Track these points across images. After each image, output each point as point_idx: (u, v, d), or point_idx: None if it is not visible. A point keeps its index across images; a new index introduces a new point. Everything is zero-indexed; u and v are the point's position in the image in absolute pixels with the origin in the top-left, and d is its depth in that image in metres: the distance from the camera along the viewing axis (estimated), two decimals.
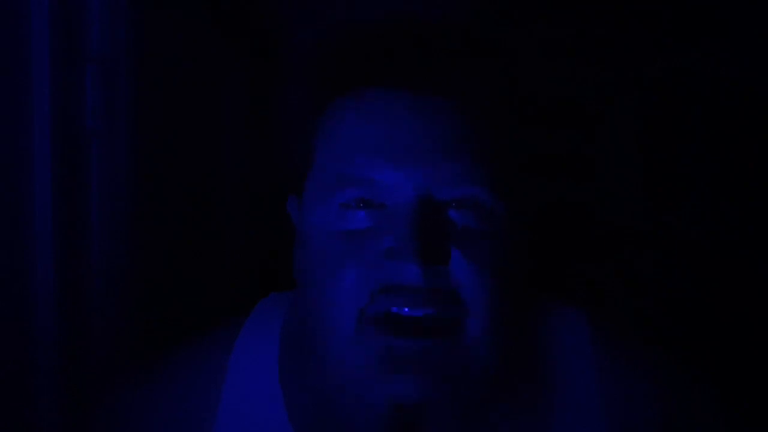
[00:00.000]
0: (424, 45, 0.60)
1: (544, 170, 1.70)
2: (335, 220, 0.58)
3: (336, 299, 0.56)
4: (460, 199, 0.57)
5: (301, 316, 0.63)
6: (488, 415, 0.62)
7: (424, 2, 0.63)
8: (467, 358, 0.56)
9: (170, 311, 1.12)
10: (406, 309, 0.55)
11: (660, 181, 1.71)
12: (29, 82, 0.82)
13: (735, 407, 0.68)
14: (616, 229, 1.72)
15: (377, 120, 0.58)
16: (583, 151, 1.73)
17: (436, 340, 0.55)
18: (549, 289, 0.71)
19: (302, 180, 0.62)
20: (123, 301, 0.99)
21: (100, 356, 0.93)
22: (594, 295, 1.66)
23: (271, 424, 0.64)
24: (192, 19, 1.31)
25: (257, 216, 1.55)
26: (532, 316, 0.68)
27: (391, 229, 0.55)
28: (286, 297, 0.71)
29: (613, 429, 0.64)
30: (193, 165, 1.32)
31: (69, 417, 0.85)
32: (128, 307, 1.00)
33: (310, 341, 0.61)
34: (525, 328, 0.67)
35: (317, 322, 0.58)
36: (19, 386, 0.81)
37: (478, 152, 0.57)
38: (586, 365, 0.66)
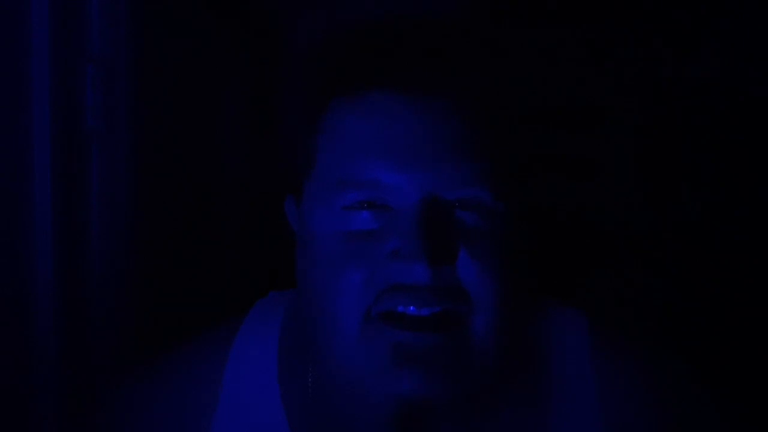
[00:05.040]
0: (426, 46, 0.60)
1: (545, 172, 1.70)
2: (338, 222, 0.58)
3: (341, 299, 0.56)
4: (463, 200, 0.57)
5: (302, 317, 0.63)
6: (488, 410, 0.63)
7: (425, 3, 0.63)
8: (471, 353, 0.56)
9: (170, 311, 1.12)
10: (412, 308, 0.55)
11: (660, 184, 1.71)
12: (29, 82, 0.82)
13: (734, 408, 0.68)
14: (616, 232, 1.72)
15: (379, 122, 0.58)
16: (584, 154, 1.73)
17: (443, 335, 0.55)
18: (549, 291, 0.71)
19: (302, 181, 0.62)
20: (123, 301, 0.99)
21: (99, 356, 0.93)
22: (594, 296, 1.66)
23: (269, 423, 0.64)
24: (192, 19, 1.31)
25: (257, 216, 1.56)
26: (532, 316, 0.69)
27: (397, 230, 0.56)
28: (286, 296, 0.71)
29: (609, 427, 0.64)
30: (193, 165, 1.32)
31: (69, 417, 0.85)
32: (128, 307, 1.00)
33: (311, 341, 0.61)
34: (525, 327, 0.67)
35: (321, 322, 0.58)
36: (19, 386, 0.82)
37: (480, 153, 0.58)
38: (584, 365, 0.66)
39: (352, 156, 0.57)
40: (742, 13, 1.60)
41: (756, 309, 1.52)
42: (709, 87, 1.64)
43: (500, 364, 0.59)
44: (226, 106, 1.52)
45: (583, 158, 1.74)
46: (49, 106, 0.83)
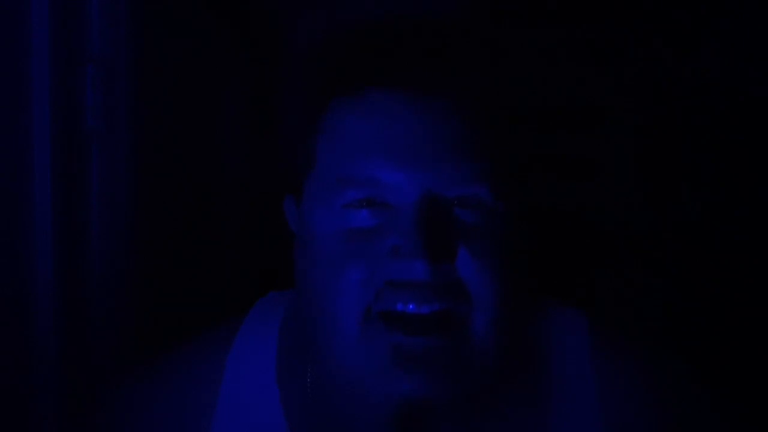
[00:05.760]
0: (426, 46, 0.60)
1: (545, 172, 1.70)
2: (337, 220, 0.58)
3: (341, 298, 0.56)
4: (463, 198, 0.57)
5: (302, 317, 0.63)
6: (489, 410, 0.63)
7: (425, 3, 0.63)
8: (472, 352, 0.56)
9: (170, 311, 1.12)
10: (411, 306, 0.55)
11: (660, 184, 1.71)
12: (29, 82, 0.82)
13: (734, 408, 0.68)
14: (616, 232, 1.72)
15: (379, 120, 0.58)
16: (584, 154, 1.73)
17: (444, 337, 0.55)
18: (549, 291, 0.71)
19: (302, 181, 0.62)
20: (123, 301, 0.99)
21: (99, 356, 0.93)
22: (594, 296, 1.66)
23: (268, 423, 0.64)
24: (192, 19, 1.31)
25: (257, 216, 1.56)
26: (532, 316, 0.69)
27: (397, 227, 0.56)
28: (286, 296, 0.71)
29: (609, 427, 0.64)
30: (193, 165, 1.32)
31: (69, 417, 0.85)
32: (128, 307, 1.00)
33: (311, 341, 0.61)
34: (524, 326, 0.67)
35: (321, 322, 0.58)
36: (19, 386, 0.81)
37: (480, 153, 0.58)
38: (584, 365, 0.66)
39: (352, 155, 0.58)
40: (742, 13, 1.60)
41: (756, 309, 1.52)
42: (709, 87, 1.64)
43: (500, 364, 0.59)
44: (226, 106, 1.52)
45: (583, 158, 1.74)
46: (49, 106, 0.83)
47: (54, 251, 0.84)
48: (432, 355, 0.55)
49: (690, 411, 0.66)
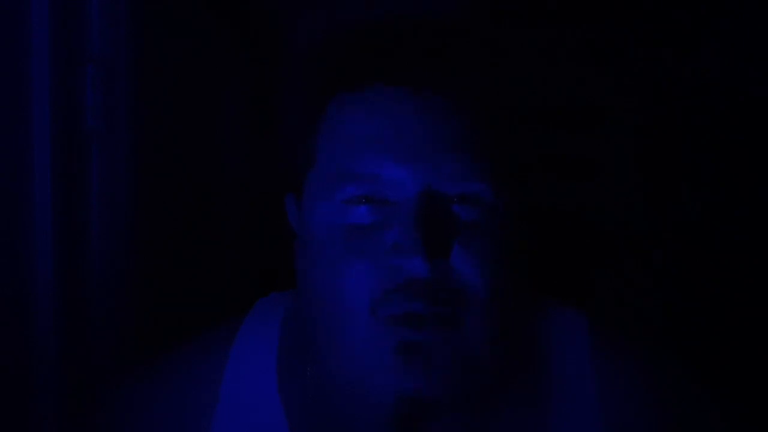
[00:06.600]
0: (428, 42, 0.60)
1: (545, 172, 1.70)
2: (337, 216, 0.58)
3: (342, 294, 0.56)
4: (462, 195, 0.57)
5: (303, 316, 0.63)
6: (488, 410, 0.63)
7: (425, 3, 0.63)
8: (472, 351, 0.56)
9: (170, 311, 1.12)
10: (413, 306, 0.55)
11: (660, 184, 1.71)
12: (29, 82, 0.82)
13: (734, 408, 0.68)
14: (616, 232, 1.72)
15: (380, 117, 0.58)
16: (584, 154, 1.74)
17: (444, 334, 0.55)
18: (549, 291, 0.71)
19: (303, 178, 0.62)
20: (123, 301, 0.99)
21: (99, 356, 0.93)
22: (594, 296, 1.66)
23: (268, 422, 0.64)
24: (192, 19, 1.31)
25: (257, 216, 1.56)
26: (532, 316, 0.69)
27: (396, 223, 0.56)
28: (286, 296, 0.71)
29: (609, 427, 0.64)
30: (193, 164, 1.32)
31: (69, 417, 0.85)
32: (128, 307, 1.00)
33: (311, 341, 0.61)
34: (524, 326, 0.67)
35: (322, 321, 0.58)
36: (19, 386, 0.82)
37: (480, 149, 0.58)
38: (584, 365, 0.66)
39: (352, 152, 0.58)
40: (742, 13, 1.60)
41: (756, 309, 1.52)
42: (709, 87, 1.64)
43: (500, 364, 0.59)
44: (226, 106, 1.52)
45: (583, 158, 1.74)
46: (49, 106, 0.83)
47: (54, 251, 0.84)
48: (433, 351, 0.55)
49: (690, 411, 0.66)
